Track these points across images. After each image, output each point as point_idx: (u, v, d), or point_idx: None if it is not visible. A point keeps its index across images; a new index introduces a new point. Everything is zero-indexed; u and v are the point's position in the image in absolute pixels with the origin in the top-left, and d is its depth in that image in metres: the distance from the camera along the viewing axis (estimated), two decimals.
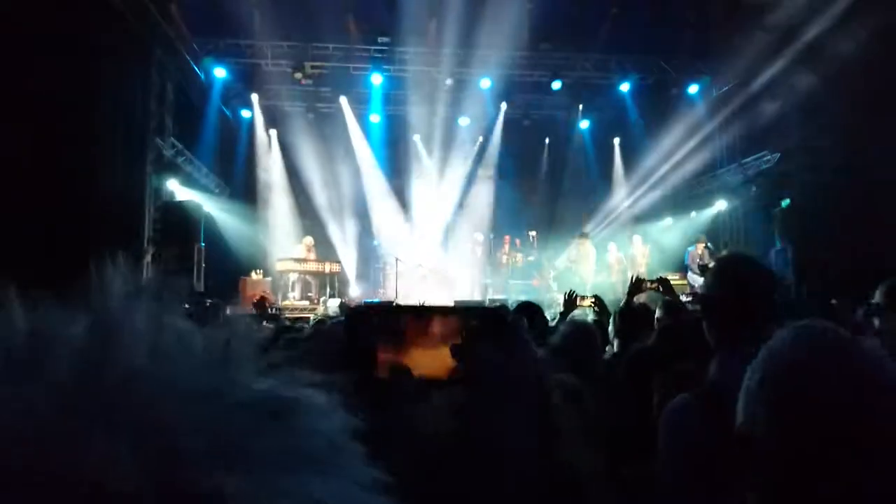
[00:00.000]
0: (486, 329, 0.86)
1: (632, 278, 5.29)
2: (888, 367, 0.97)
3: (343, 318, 5.73)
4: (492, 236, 15.91)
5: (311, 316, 9.95)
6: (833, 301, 6.65)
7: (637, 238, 14.65)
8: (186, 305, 0.41)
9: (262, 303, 8.03)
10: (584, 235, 14.06)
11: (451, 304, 11.09)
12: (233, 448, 0.34)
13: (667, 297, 4.62)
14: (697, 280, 12.68)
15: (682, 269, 13.68)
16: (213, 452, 0.33)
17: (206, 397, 0.35)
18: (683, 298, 11.11)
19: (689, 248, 13.39)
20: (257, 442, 0.35)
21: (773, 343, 1.05)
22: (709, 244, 13.14)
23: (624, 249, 14.67)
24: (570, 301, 5.44)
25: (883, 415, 0.91)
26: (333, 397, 0.39)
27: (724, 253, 10.08)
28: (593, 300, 5.63)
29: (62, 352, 0.35)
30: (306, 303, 13.04)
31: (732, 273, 1.90)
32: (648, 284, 5.44)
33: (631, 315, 4.28)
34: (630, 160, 16.66)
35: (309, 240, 14.17)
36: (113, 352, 0.35)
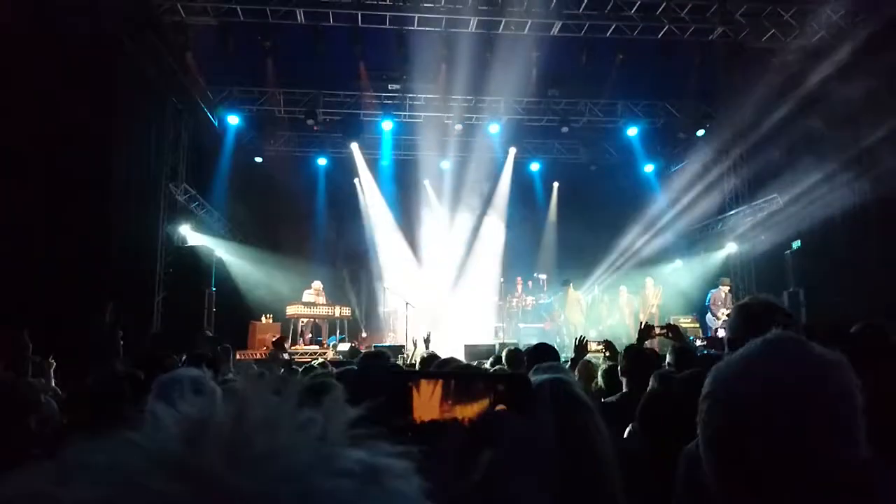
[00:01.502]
0: (508, 397, 0.87)
1: (641, 324, 5.25)
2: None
3: (350, 362, 5.70)
4: (502, 280, 15.89)
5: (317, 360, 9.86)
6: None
7: (649, 280, 14.57)
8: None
9: (280, 342, 7.99)
10: (566, 283, 14.13)
11: (462, 348, 11.03)
12: None
13: (676, 343, 4.57)
14: (716, 323, 12.49)
15: (702, 310, 13.52)
16: None
17: (318, 467, 0.43)
18: (697, 343, 11.05)
19: (712, 290, 13.22)
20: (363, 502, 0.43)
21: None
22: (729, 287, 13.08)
23: (635, 291, 14.58)
24: (581, 346, 5.40)
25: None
26: (408, 463, 0.47)
27: (744, 296, 9.97)
28: (604, 346, 5.58)
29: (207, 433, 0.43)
30: (316, 347, 12.98)
31: (756, 315, 1.90)
32: (658, 330, 5.40)
33: (639, 355, 4.23)
34: (638, 204, 16.69)
35: (318, 284, 14.15)
36: (250, 434, 0.42)
